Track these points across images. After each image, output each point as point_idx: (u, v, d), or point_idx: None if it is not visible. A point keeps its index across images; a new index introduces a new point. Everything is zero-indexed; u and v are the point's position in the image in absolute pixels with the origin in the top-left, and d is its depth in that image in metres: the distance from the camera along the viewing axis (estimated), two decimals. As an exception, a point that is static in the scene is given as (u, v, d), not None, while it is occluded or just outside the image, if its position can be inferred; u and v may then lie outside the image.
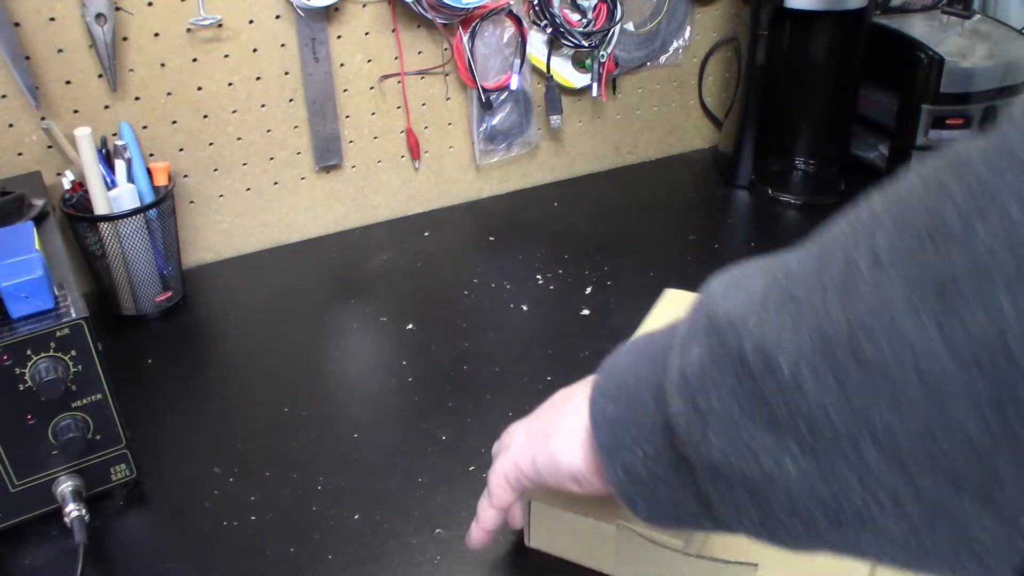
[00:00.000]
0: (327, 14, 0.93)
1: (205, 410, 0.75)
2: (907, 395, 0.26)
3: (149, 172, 0.86)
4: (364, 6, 0.94)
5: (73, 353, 0.59)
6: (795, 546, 0.33)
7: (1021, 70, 1.01)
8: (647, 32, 1.11)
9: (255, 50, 0.91)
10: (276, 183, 0.99)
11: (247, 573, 0.59)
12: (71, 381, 0.59)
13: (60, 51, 0.82)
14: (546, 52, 1.05)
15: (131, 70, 0.86)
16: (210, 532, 0.62)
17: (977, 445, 0.25)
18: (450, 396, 0.75)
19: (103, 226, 0.81)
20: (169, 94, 0.89)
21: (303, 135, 0.98)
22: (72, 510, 0.60)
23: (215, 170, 0.95)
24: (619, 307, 0.86)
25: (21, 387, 0.57)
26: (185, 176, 0.94)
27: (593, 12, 1.04)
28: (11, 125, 0.83)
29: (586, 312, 0.85)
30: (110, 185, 0.82)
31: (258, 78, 0.93)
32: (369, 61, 0.97)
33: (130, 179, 0.84)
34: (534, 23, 1.03)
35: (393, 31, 0.97)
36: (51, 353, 0.58)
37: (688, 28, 1.14)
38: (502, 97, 1.05)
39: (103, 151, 0.83)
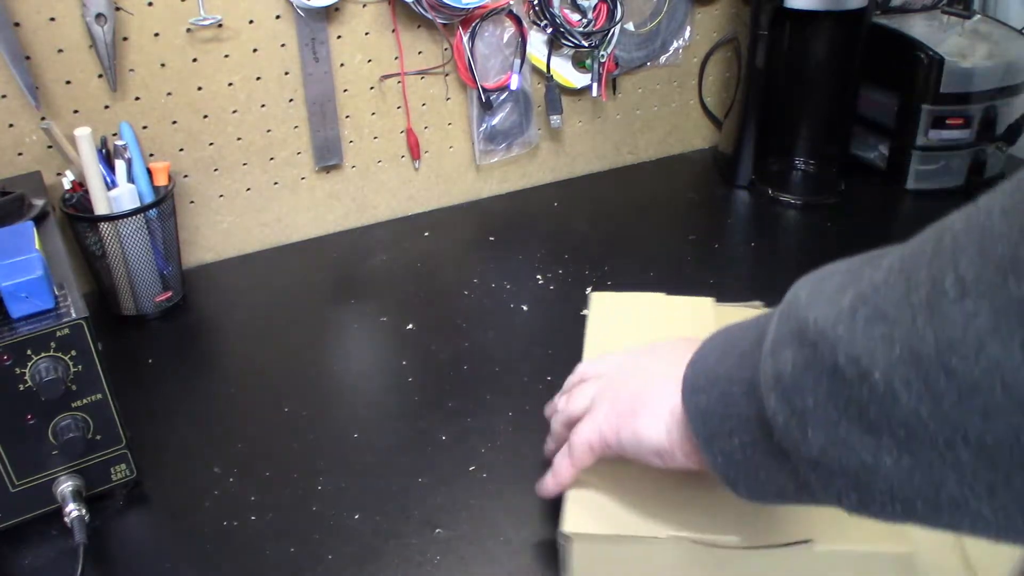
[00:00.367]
0: (327, 14, 0.93)
1: (205, 410, 0.75)
2: (995, 406, 0.29)
3: (149, 172, 0.86)
4: (364, 6, 0.94)
5: (73, 353, 0.59)
6: (894, 522, 0.36)
7: (1021, 70, 1.01)
8: (647, 32, 1.11)
9: (255, 50, 0.91)
10: (276, 183, 0.99)
11: (247, 573, 0.59)
12: (71, 381, 0.59)
13: (60, 51, 0.82)
14: (546, 52, 1.05)
15: (131, 70, 0.86)
16: (210, 532, 0.62)
17: None
18: (450, 396, 0.75)
19: (103, 226, 0.81)
20: (169, 94, 0.89)
21: (303, 135, 0.98)
22: (72, 510, 0.60)
23: (215, 170, 0.95)
24: (619, 307, 0.86)
25: (21, 387, 0.57)
26: (185, 176, 0.94)
27: (593, 12, 1.04)
28: (11, 125, 0.83)
29: (586, 312, 0.85)
30: (110, 185, 0.82)
31: (258, 78, 0.93)
32: (369, 61, 0.97)
33: (130, 179, 0.84)
34: (534, 23, 1.03)
35: (393, 31, 0.97)
36: (51, 353, 0.58)
37: (688, 28, 1.14)
38: (502, 97, 1.05)
39: (103, 151, 0.83)
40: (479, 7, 0.96)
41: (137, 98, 0.88)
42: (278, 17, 0.91)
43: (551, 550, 0.59)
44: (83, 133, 0.77)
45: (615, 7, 1.04)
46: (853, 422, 0.34)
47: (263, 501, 0.64)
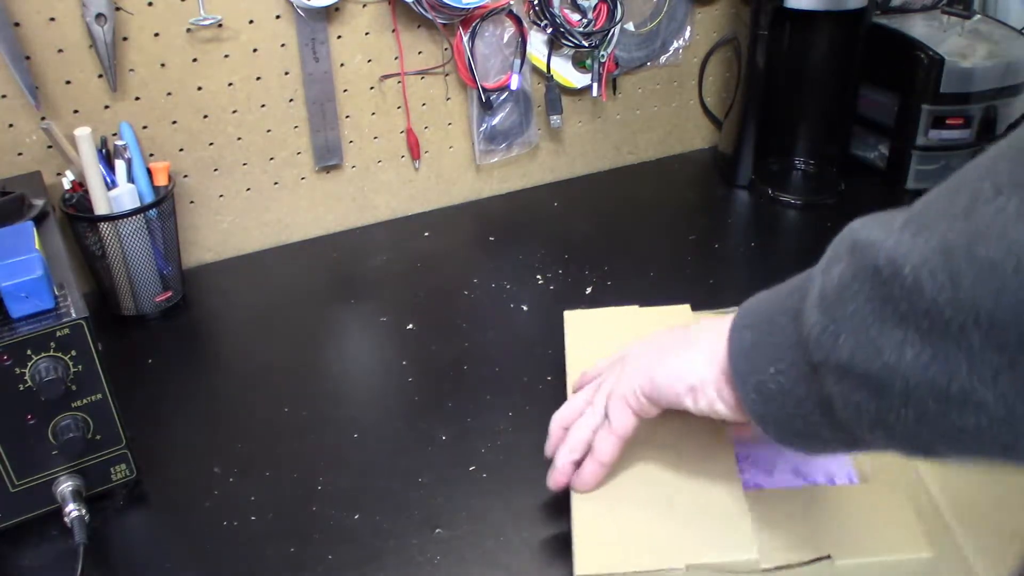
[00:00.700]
0: (327, 14, 0.93)
1: (205, 410, 0.75)
2: (1007, 284, 0.32)
3: (149, 172, 0.86)
4: (364, 6, 0.94)
5: (73, 353, 0.59)
6: (906, 444, 0.39)
7: (1021, 70, 1.01)
8: (647, 32, 1.11)
9: (255, 50, 0.91)
10: (276, 183, 0.99)
11: (247, 573, 0.59)
12: (71, 381, 0.59)
13: (60, 51, 0.82)
14: (546, 52, 1.05)
15: (131, 70, 0.86)
16: (210, 532, 0.62)
17: None
18: (450, 396, 0.75)
19: (103, 226, 0.81)
20: (169, 94, 0.89)
21: (303, 135, 0.98)
22: (72, 510, 0.60)
23: (215, 170, 0.95)
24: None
25: (21, 387, 0.57)
26: (185, 176, 0.94)
27: (593, 12, 1.04)
28: (11, 125, 0.83)
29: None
30: (110, 185, 0.82)
31: (258, 78, 0.93)
32: (369, 61, 0.97)
33: (130, 179, 0.84)
34: (534, 23, 1.03)
35: (393, 31, 0.97)
36: (51, 353, 0.58)
37: (688, 28, 1.14)
38: (502, 97, 1.05)
39: (103, 151, 0.83)
40: (479, 7, 0.96)
41: (137, 98, 0.88)
42: (278, 17, 0.91)
43: (551, 550, 0.59)
44: (83, 133, 0.78)
45: (615, 7, 1.04)
46: (884, 321, 0.37)
47: (263, 501, 0.64)
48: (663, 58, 1.14)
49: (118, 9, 0.83)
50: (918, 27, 1.05)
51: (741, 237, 1.03)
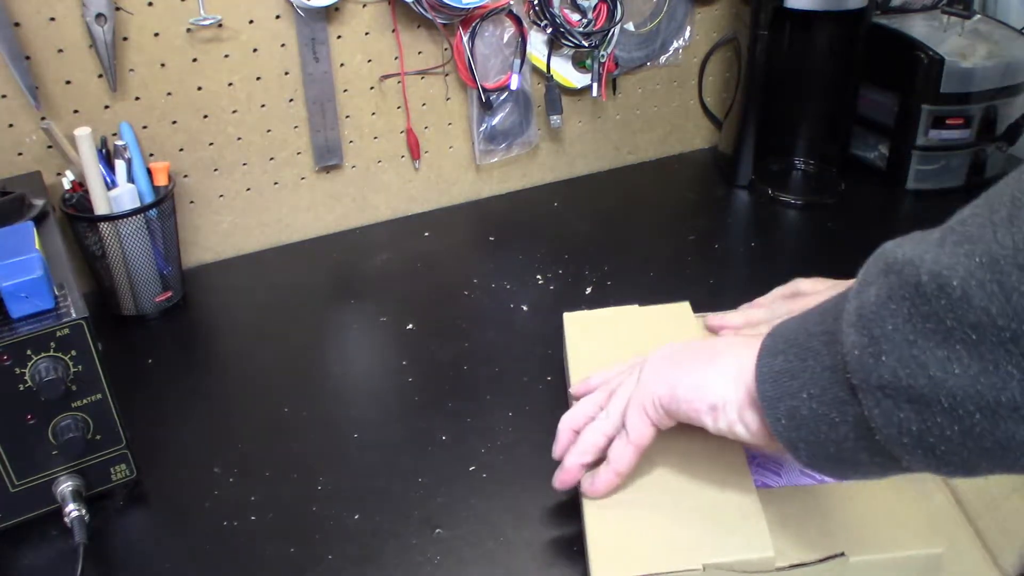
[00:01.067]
0: (327, 14, 0.93)
1: (205, 410, 0.75)
2: None
3: (149, 172, 0.86)
4: (364, 6, 0.94)
5: (73, 353, 0.59)
6: (948, 463, 0.38)
7: (1021, 70, 1.01)
8: (647, 32, 1.11)
9: (255, 50, 0.91)
10: (276, 183, 0.99)
11: (247, 573, 0.59)
12: (71, 381, 0.59)
13: (60, 51, 0.82)
14: (546, 52, 1.05)
15: (131, 70, 0.86)
16: (210, 532, 0.62)
17: None
18: (450, 396, 0.75)
19: (103, 226, 0.81)
20: (169, 94, 0.89)
21: (303, 135, 0.98)
22: (72, 510, 0.60)
23: (215, 170, 0.95)
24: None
25: (21, 387, 0.57)
26: (185, 176, 0.94)
27: (593, 12, 1.04)
28: (11, 125, 0.83)
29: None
30: (110, 185, 0.82)
31: (258, 78, 0.93)
32: (369, 61, 0.97)
33: (130, 179, 0.84)
34: (534, 23, 1.03)
35: (393, 31, 0.97)
36: (51, 353, 0.58)
37: (688, 28, 1.14)
38: (502, 97, 1.05)
39: (103, 151, 0.83)
40: (479, 7, 0.96)
41: (137, 98, 0.88)
42: (278, 17, 0.91)
43: (551, 550, 0.59)
44: (83, 133, 0.78)
45: (615, 7, 1.04)
46: (928, 337, 0.37)
47: (263, 501, 0.64)
48: (663, 58, 1.14)
49: (118, 9, 0.83)
50: (918, 27, 1.05)
51: (741, 237, 1.03)
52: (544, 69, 1.05)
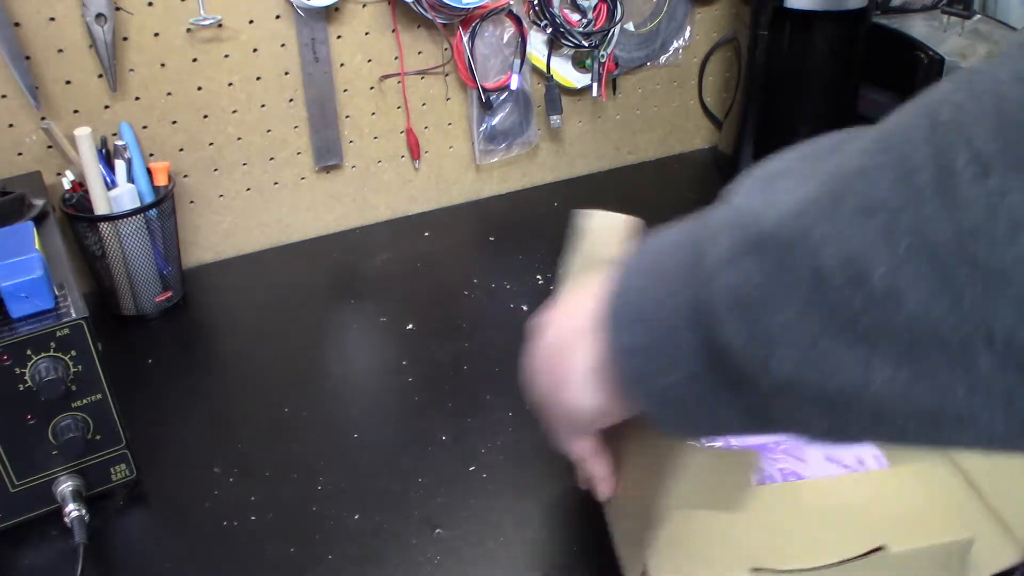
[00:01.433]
0: (327, 14, 0.93)
1: (205, 410, 0.75)
2: None
3: (149, 172, 0.86)
4: (364, 6, 0.94)
5: (73, 353, 0.59)
6: (860, 444, 0.34)
7: (1021, 70, 1.01)
8: (647, 32, 1.11)
9: (255, 50, 0.91)
10: (276, 183, 0.99)
11: (247, 573, 0.59)
12: (71, 381, 0.59)
13: (60, 51, 0.82)
14: (546, 52, 1.05)
15: (131, 70, 0.86)
16: (210, 532, 0.62)
17: None
18: (450, 396, 0.75)
19: (103, 226, 0.81)
20: (169, 94, 0.89)
21: (303, 135, 0.98)
22: (72, 510, 0.60)
23: (215, 170, 0.95)
24: (619, 307, 0.86)
25: (21, 387, 0.57)
26: (185, 176, 0.94)
27: (593, 12, 1.04)
28: (11, 125, 0.83)
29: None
30: (110, 185, 0.82)
31: (258, 78, 0.93)
32: (369, 61, 0.97)
33: (130, 179, 0.84)
34: (534, 23, 1.03)
35: (393, 31, 0.97)
36: (51, 353, 0.58)
37: (688, 28, 1.14)
38: (502, 97, 1.05)
39: (103, 151, 0.83)
40: (479, 7, 0.96)
41: (137, 98, 0.88)
42: (278, 17, 0.91)
43: (550, 550, 0.59)
44: (83, 133, 0.78)
45: (615, 7, 1.04)
46: (837, 335, 0.29)
47: (263, 501, 0.64)
48: (663, 58, 1.14)
49: (118, 9, 0.83)
50: (918, 27, 1.05)
51: (741, 237, 1.03)
52: (544, 69, 1.05)
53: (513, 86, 1.04)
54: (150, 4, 0.84)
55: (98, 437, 0.62)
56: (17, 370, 0.57)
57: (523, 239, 1.01)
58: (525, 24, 1.02)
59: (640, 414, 0.40)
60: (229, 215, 0.98)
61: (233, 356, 0.84)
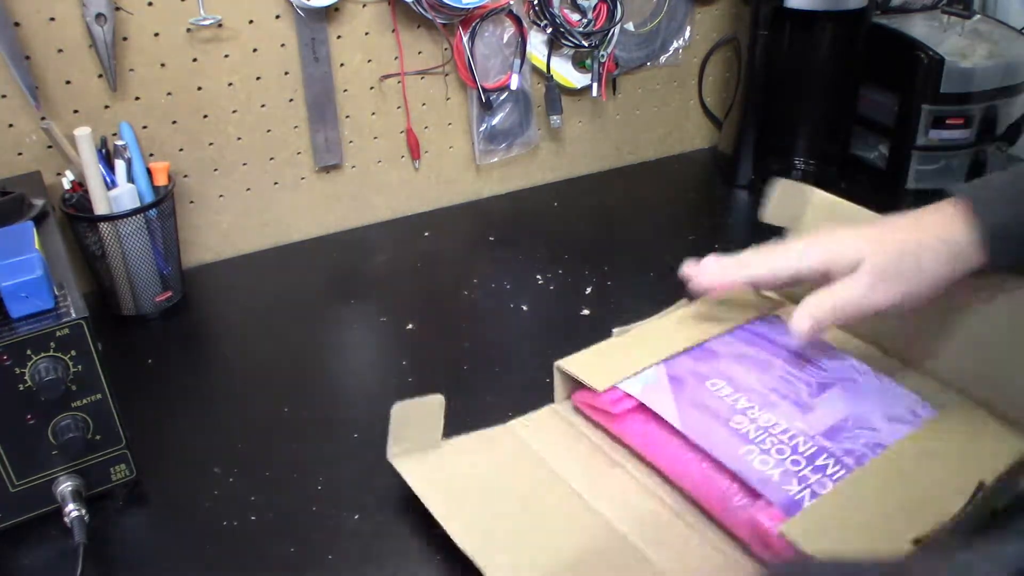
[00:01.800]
0: (327, 14, 0.93)
1: (205, 410, 0.75)
2: None
3: (149, 172, 0.86)
4: (364, 6, 0.94)
5: (73, 353, 0.59)
6: None
7: (1021, 70, 1.01)
8: (647, 32, 1.11)
9: (255, 50, 0.91)
10: (276, 183, 0.99)
11: (247, 573, 0.59)
12: (71, 381, 0.59)
13: (60, 51, 0.82)
14: (546, 52, 1.05)
15: (131, 70, 0.86)
16: (210, 532, 0.62)
17: None
18: (450, 396, 0.75)
19: (103, 226, 0.81)
20: (169, 94, 0.89)
21: (303, 135, 0.98)
22: (72, 510, 0.60)
23: (215, 170, 0.95)
24: (619, 307, 0.86)
25: (21, 387, 0.57)
26: (185, 176, 0.94)
27: (593, 12, 1.04)
28: (11, 125, 0.83)
29: (586, 312, 0.85)
30: (110, 185, 0.82)
31: (258, 78, 0.93)
32: (369, 61, 0.97)
33: (130, 179, 0.84)
34: (534, 23, 1.03)
35: (393, 31, 0.97)
36: (51, 353, 0.58)
37: (688, 28, 1.14)
38: (502, 97, 1.05)
39: (103, 151, 0.83)
40: (479, 7, 0.96)
41: (137, 98, 0.88)
42: (278, 17, 0.91)
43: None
44: (83, 133, 0.78)
45: (615, 7, 1.04)
46: None
47: (263, 501, 0.64)
48: (663, 58, 1.14)
49: (118, 9, 0.83)
50: (918, 27, 1.05)
51: (741, 237, 1.03)
52: (544, 69, 1.05)
53: (513, 86, 1.04)
54: (150, 4, 0.84)
55: (98, 437, 0.62)
56: (17, 370, 0.57)
57: (523, 239, 1.01)
58: (525, 24, 1.02)
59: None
60: (229, 215, 0.98)
61: (233, 356, 0.84)
